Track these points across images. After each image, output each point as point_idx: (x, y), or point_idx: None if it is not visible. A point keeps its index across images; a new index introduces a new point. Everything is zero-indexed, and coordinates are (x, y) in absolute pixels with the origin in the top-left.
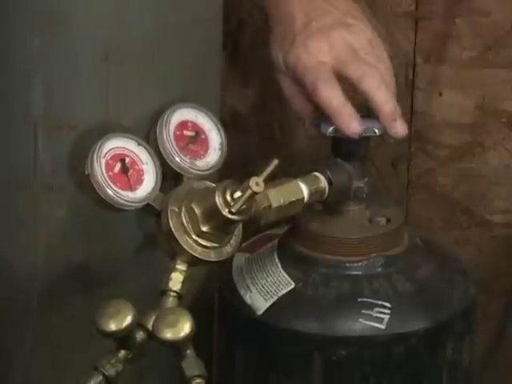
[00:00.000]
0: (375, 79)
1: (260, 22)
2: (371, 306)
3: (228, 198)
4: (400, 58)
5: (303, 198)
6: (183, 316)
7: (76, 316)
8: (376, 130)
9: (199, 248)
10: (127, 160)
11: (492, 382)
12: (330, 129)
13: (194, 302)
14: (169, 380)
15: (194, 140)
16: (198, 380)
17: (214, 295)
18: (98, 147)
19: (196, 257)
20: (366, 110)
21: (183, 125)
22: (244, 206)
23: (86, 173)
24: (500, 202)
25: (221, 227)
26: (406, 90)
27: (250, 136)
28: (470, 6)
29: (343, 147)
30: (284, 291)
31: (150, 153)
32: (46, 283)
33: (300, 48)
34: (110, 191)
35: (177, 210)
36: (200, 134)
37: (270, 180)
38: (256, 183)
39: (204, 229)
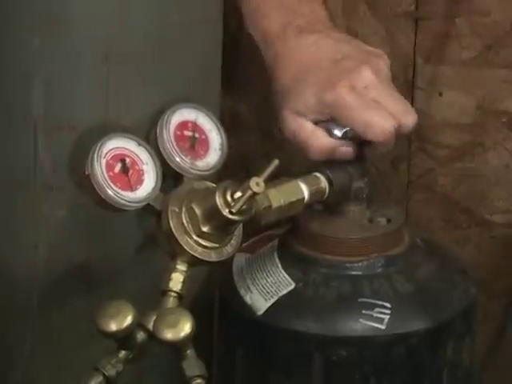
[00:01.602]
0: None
1: None
2: (371, 307)
3: (228, 198)
4: (400, 58)
5: (303, 198)
6: (183, 316)
7: (76, 316)
8: None
9: (200, 248)
10: (127, 160)
11: (492, 382)
12: (342, 131)
13: (195, 302)
14: (169, 380)
15: (194, 140)
16: (199, 380)
17: (214, 295)
18: (98, 147)
19: (196, 257)
20: None
21: (183, 125)
22: (244, 207)
23: (87, 173)
24: (500, 202)
25: (221, 227)
26: (406, 90)
27: (250, 136)
28: (470, 6)
29: None
30: (284, 291)
31: (150, 153)
32: (46, 283)
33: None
34: (110, 191)
35: (177, 210)
36: (200, 134)
37: (270, 180)
38: (256, 183)
39: (204, 229)
